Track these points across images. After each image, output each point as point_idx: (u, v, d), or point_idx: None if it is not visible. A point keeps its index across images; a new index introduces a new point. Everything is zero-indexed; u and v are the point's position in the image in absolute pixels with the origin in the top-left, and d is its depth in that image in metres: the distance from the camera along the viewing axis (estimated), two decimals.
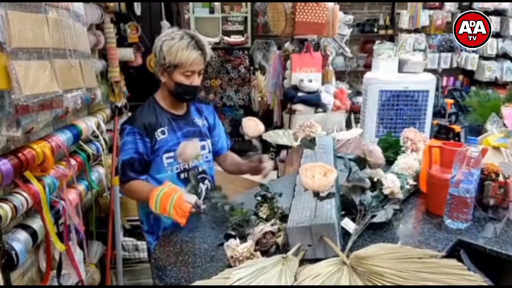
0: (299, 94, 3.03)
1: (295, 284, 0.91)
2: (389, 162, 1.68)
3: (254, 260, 1.05)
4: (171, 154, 1.54)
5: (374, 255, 0.93)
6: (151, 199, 1.29)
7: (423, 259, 0.91)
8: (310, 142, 1.40)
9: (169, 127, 1.56)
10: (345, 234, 1.18)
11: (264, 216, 1.31)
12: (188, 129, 1.61)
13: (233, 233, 1.19)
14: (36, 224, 1.57)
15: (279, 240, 1.19)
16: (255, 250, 1.10)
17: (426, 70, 2.96)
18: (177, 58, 1.46)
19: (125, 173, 1.50)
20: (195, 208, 1.29)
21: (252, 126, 1.50)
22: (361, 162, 1.35)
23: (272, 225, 1.21)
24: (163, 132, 1.54)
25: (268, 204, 1.33)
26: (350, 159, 1.39)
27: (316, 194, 1.07)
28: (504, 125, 2.08)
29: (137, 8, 2.74)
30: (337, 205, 1.18)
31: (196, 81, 1.53)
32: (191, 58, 1.46)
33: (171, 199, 1.27)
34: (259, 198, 1.37)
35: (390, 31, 5.29)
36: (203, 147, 1.64)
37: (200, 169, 1.63)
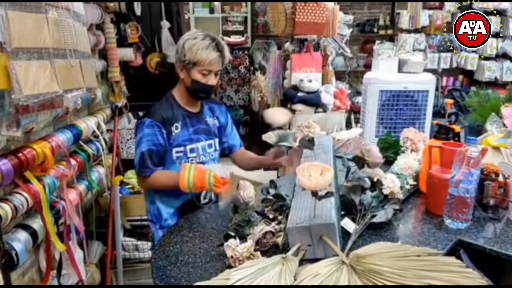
0: (299, 94, 3.02)
1: (294, 284, 0.92)
2: (389, 162, 1.68)
3: (254, 260, 1.05)
4: (181, 148, 1.62)
5: (373, 253, 0.93)
6: (182, 185, 1.47)
7: (422, 257, 0.91)
8: (309, 142, 1.40)
9: (182, 122, 1.62)
10: (345, 234, 1.18)
11: (271, 216, 1.32)
12: (199, 126, 1.68)
13: (232, 233, 1.19)
14: (36, 224, 1.57)
15: (279, 240, 1.19)
16: (255, 250, 1.10)
17: (426, 70, 2.95)
18: (196, 56, 1.54)
19: (144, 165, 1.55)
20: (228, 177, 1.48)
21: (279, 113, 1.53)
22: (359, 161, 1.35)
23: (278, 223, 1.21)
24: (176, 128, 1.60)
25: (280, 201, 1.33)
26: (348, 159, 1.39)
27: (315, 194, 1.07)
28: (504, 125, 2.08)
29: (137, 8, 2.74)
30: (336, 205, 1.18)
31: (212, 80, 1.61)
32: (210, 57, 1.55)
33: (207, 180, 1.45)
34: (267, 195, 1.37)
35: (390, 31, 5.29)
36: (209, 146, 1.71)
37: None
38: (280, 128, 1.62)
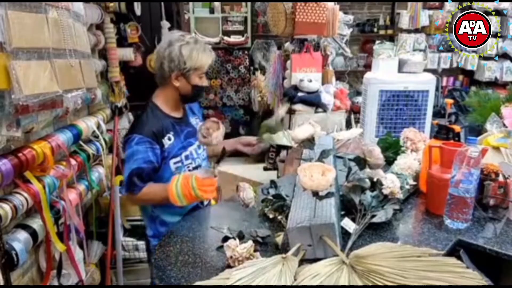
0: (299, 94, 3.03)
1: (294, 284, 0.91)
2: (389, 162, 1.68)
3: (254, 260, 1.05)
4: (178, 159, 1.58)
5: (374, 254, 0.93)
6: (172, 197, 1.37)
7: (422, 258, 0.91)
8: (309, 142, 1.40)
9: (174, 132, 1.58)
10: (345, 234, 1.18)
11: (271, 216, 1.31)
12: (187, 130, 1.63)
13: (230, 235, 1.19)
14: (36, 224, 1.57)
15: (279, 240, 1.19)
16: (254, 251, 1.10)
17: (426, 70, 2.96)
18: (198, 62, 1.51)
19: (133, 183, 1.49)
20: (214, 175, 1.38)
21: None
22: (361, 162, 1.35)
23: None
24: (169, 139, 1.55)
25: (280, 201, 1.33)
26: (349, 159, 1.39)
27: (315, 194, 1.07)
28: (504, 125, 2.08)
29: (137, 8, 2.74)
30: (337, 205, 1.18)
31: (205, 81, 1.61)
32: (209, 61, 1.55)
33: (191, 185, 1.34)
34: (267, 195, 1.37)
35: (390, 31, 5.29)
36: (199, 147, 1.67)
37: None
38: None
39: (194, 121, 1.71)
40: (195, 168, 1.63)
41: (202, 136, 1.43)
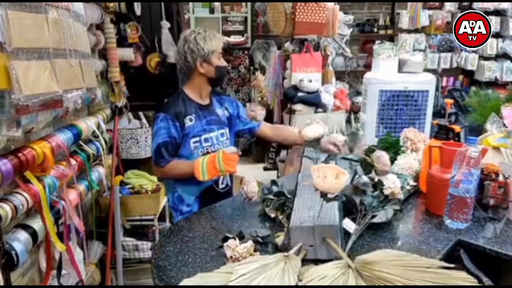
0: (299, 94, 3.03)
1: (301, 284, 0.91)
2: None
3: (256, 257, 1.05)
4: (197, 138, 1.74)
5: (380, 260, 0.93)
6: (196, 170, 1.57)
7: (432, 269, 0.89)
8: (317, 143, 1.41)
9: (196, 115, 1.75)
10: (345, 234, 1.18)
11: (272, 215, 1.31)
12: (210, 117, 1.79)
13: (230, 235, 1.19)
14: (36, 224, 1.57)
15: (278, 240, 1.19)
16: (254, 250, 1.10)
17: (426, 70, 2.96)
18: (213, 44, 1.71)
19: (161, 156, 1.68)
20: (238, 154, 1.59)
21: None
22: (367, 166, 1.35)
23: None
24: (190, 120, 1.73)
25: (282, 199, 1.33)
26: (355, 160, 1.38)
27: (324, 195, 1.07)
28: (504, 125, 2.08)
29: (137, 8, 2.74)
30: (339, 206, 1.18)
31: (224, 61, 1.79)
32: (222, 42, 1.75)
33: (218, 159, 1.54)
34: (268, 194, 1.37)
35: (390, 31, 5.29)
36: (222, 135, 1.82)
37: None
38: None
39: (221, 112, 1.85)
40: (214, 151, 1.74)
41: (251, 111, 1.79)
